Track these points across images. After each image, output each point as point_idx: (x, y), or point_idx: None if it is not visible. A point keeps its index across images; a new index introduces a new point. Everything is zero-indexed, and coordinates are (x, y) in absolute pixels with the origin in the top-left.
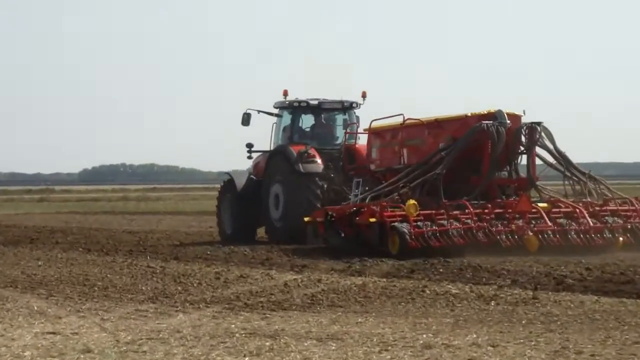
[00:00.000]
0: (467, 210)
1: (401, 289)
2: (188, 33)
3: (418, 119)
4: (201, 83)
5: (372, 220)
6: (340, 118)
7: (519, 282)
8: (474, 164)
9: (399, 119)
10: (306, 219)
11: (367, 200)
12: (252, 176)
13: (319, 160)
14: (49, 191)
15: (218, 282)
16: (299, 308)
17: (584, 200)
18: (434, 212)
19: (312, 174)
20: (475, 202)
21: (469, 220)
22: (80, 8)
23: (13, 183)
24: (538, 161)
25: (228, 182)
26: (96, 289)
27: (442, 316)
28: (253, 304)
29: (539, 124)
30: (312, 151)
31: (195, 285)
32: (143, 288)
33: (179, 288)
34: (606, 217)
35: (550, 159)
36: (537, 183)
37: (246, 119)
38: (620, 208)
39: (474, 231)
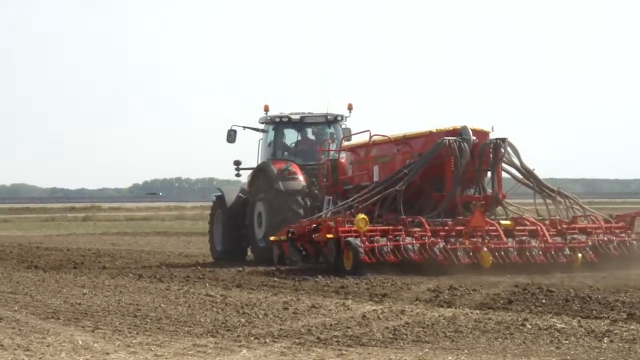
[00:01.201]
0: (421, 228)
1: (497, 323)
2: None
3: (385, 136)
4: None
5: (329, 236)
6: (327, 132)
7: (636, 316)
8: (438, 180)
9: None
10: (272, 238)
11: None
12: (240, 194)
13: (300, 177)
14: (95, 209)
15: (286, 313)
16: (379, 344)
17: (551, 217)
18: (390, 227)
19: (293, 192)
20: (438, 219)
21: (424, 237)
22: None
23: (54, 200)
24: (509, 178)
25: (219, 199)
26: (148, 320)
27: (545, 354)
28: (327, 339)
29: (504, 140)
30: (294, 168)
31: (260, 316)
32: (201, 320)
33: (242, 320)
34: (573, 235)
35: (518, 176)
36: (508, 200)
37: (232, 136)
38: (589, 225)
39: (428, 247)
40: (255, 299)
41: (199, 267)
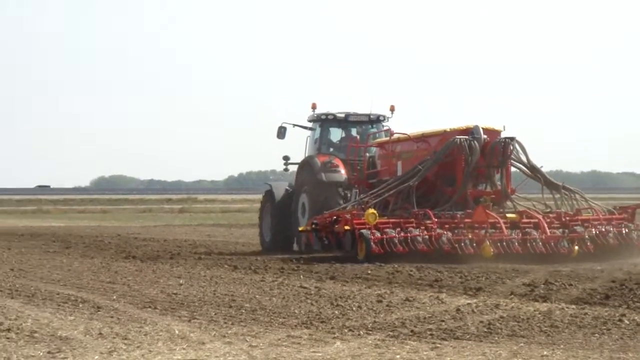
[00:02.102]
0: (429, 220)
1: (594, 318)
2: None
3: (405, 134)
4: None
5: (346, 227)
6: (370, 131)
7: None
8: (451, 176)
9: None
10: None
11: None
12: (287, 187)
13: (342, 170)
14: (191, 200)
15: (380, 305)
16: (473, 337)
17: (556, 210)
18: (402, 220)
19: (334, 183)
20: (449, 212)
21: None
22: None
23: (152, 191)
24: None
25: (268, 193)
26: (243, 311)
27: None
28: (421, 332)
29: (512, 138)
30: (336, 161)
31: (354, 309)
32: (296, 311)
33: (336, 312)
34: (575, 227)
35: (527, 171)
36: (519, 194)
37: (282, 132)
38: (591, 217)
39: (434, 239)
40: (349, 291)
41: (293, 260)
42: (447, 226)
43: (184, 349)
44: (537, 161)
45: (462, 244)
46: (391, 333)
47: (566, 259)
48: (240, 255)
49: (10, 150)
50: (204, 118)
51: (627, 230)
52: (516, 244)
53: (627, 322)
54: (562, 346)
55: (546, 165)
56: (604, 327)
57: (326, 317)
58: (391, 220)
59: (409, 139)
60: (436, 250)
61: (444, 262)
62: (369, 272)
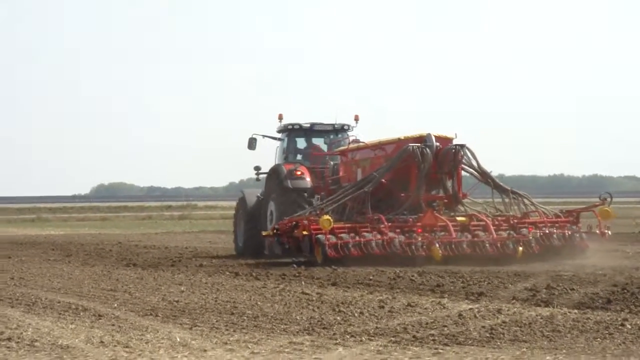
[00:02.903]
0: (382, 225)
1: (596, 322)
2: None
3: (363, 142)
4: None
5: (304, 232)
6: (334, 140)
7: None
8: (405, 181)
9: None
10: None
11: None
12: (258, 195)
13: (307, 178)
14: (191, 207)
15: (382, 311)
16: (476, 342)
17: (505, 214)
18: (357, 225)
19: (300, 190)
20: (403, 216)
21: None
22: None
23: (151, 198)
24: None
25: (241, 200)
26: (245, 318)
27: None
28: (423, 337)
29: (462, 145)
30: (302, 169)
31: (356, 314)
32: (297, 318)
33: (338, 318)
34: (522, 229)
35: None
36: (471, 198)
37: (252, 144)
38: (537, 220)
39: (385, 242)
40: (351, 297)
41: (294, 266)
42: (398, 230)
43: (185, 356)
44: (538, 166)
45: (414, 247)
46: (393, 339)
47: (512, 260)
48: (242, 261)
49: (9, 158)
50: (203, 125)
51: (570, 232)
52: (464, 245)
53: (629, 326)
54: (564, 351)
55: (547, 169)
56: (606, 332)
57: (328, 323)
58: (346, 225)
59: (366, 147)
60: (389, 253)
61: (397, 264)
62: (371, 277)
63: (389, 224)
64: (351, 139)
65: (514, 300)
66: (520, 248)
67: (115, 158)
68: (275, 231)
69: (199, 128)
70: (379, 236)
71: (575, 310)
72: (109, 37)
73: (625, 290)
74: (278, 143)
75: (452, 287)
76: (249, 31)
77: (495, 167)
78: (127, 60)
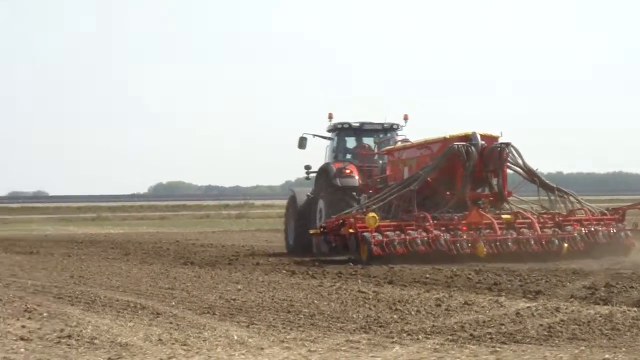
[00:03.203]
0: (427, 223)
1: None
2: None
3: (409, 141)
4: None
5: (351, 231)
6: (383, 139)
7: None
8: (451, 180)
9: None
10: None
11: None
12: (308, 194)
13: (356, 176)
14: (248, 206)
15: (439, 309)
16: (533, 341)
17: (551, 211)
18: (402, 222)
19: (348, 188)
20: (448, 214)
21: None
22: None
23: (209, 197)
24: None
25: (291, 198)
26: (302, 316)
27: None
28: (480, 336)
29: (507, 144)
30: (350, 167)
31: (413, 313)
32: (354, 316)
33: (395, 316)
34: (567, 226)
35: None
36: (517, 196)
37: (302, 143)
38: (583, 218)
39: (431, 240)
40: (407, 295)
41: (351, 264)
42: (443, 228)
43: (242, 354)
44: (565, 163)
45: (458, 245)
46: (450, 337)
47: (557, 256)
48: (298, 260)
49: (71, 158)
50: (264, 125)
51: (615, 230)
52: (509, 243)
53: None
54: (623, 349)
55: (572, 167)
56: None
57: (385, 322)
58: (392, 223)
59: (413, 146)
60: (434, 250)
61: (442, 262)
62: (427, 276)
63: (435, 221)
64: (400, 138)
65: (572, 299)
66: (565, 245)
67: (174, 157)
68: (322, 229)
69: (258, 126)
70: (424, 234)
71: (635, 308)
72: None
73: None
74: (328, 142)
75: (509, 286)
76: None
77: (552, 165)
78: (193, 57)
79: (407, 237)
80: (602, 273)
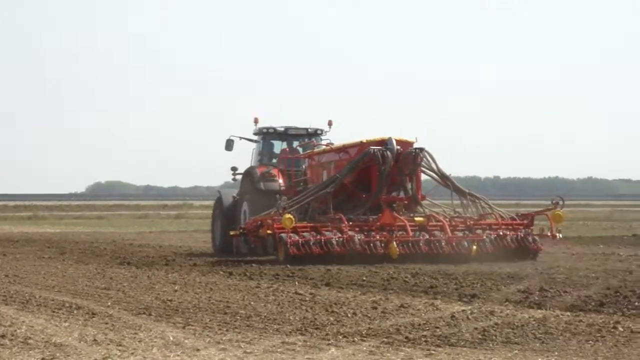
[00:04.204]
0: (343, 224)
1: (588, 325)
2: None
3: (327, 145)
4: None
5: (268, 232)
6: (307, 143)
7: None
8: (367, 183)
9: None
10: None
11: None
12: (234, 195)
13: (279, 180)
14: (187, 207)
15: (375, 312)
16: (468, 344)
17: (462, 215)
18: (318, 224)
19: (271, 192)
20: (364, 216)
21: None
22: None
23: (148, 197)
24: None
25: (218, 200)
26: (238, 317)
27: (638, 358)
28: (415, 338)
29: (422, 149)
30: (274, 171)
31: (349, 315)
32: (290, 318)
33: (331, 318)
34: (477, 230)
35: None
36: (429, 200)
37: (229, 145)
38: (493, 222)
39: (345, 240)
40: (344, 297)
41: (288, 266)
42: (357, 229)
43: (178, 355)
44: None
45: (372, 245)
46: (386, 339)
47: (467, 258)
48: (235, 261)
49: (6, 157)
50: (202, 125)
51: (522, 235)
52: (421, 244)
53: (621, 329)
54: (556, 353)
55: (541, 172)
56: (599, 334)
57: (321, 324)
58: (309, 224)
59: (331, 150)
60: (349, 251)
61: (357, 262)
62: (364, 278)
63: (350, 223)
64: (325, 142)
65: (506, 302)
66: (474, 247)
67: (112, 157)
68: (241, 230)
69: (195, 128)
70: (339, 235)
71: (568, 313)
72: (115, 32)
73: (618, 293)
74: (254, 145)
75: (445, 289)
76: (242, 34)
77: (491, 169)
78: (128, 55)
79: (323, 237)
80: (536, 277)
